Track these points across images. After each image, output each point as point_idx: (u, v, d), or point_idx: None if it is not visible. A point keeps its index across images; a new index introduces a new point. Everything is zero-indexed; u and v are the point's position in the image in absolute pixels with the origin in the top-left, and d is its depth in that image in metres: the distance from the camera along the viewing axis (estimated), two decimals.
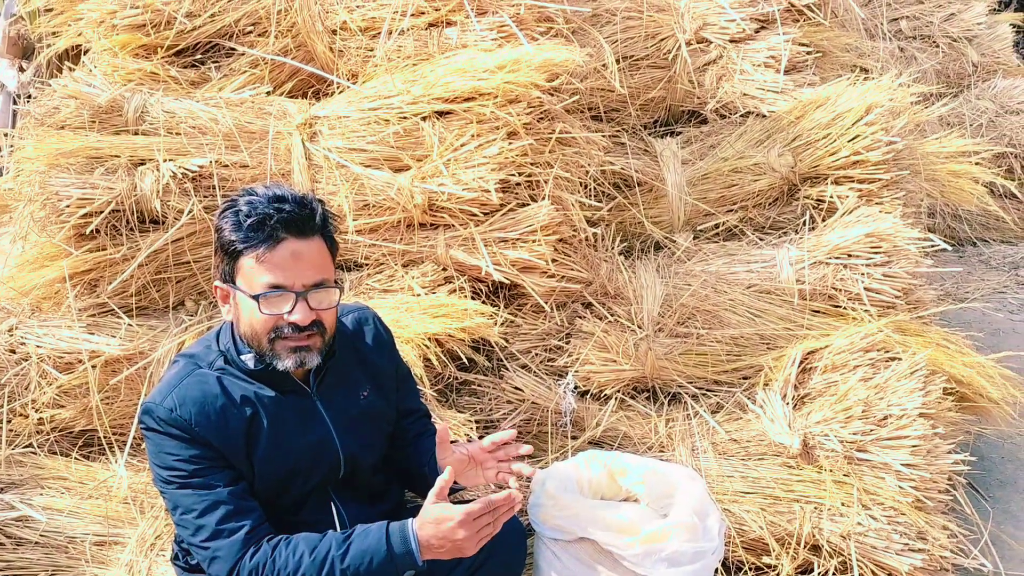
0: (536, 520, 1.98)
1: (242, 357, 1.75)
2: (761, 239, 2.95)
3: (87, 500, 2.38)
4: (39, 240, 2.56)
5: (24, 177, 2.56)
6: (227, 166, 2.56)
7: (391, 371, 1.97)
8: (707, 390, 2.73)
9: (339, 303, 1.77)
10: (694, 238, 3.00)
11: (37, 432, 2.51)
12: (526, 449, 1.82)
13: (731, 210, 3.02)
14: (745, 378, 2.73)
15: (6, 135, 3.40)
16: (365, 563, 1.62)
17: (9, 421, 2.49)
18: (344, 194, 2.51)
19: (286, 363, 1.70)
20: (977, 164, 3.50)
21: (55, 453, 2.53)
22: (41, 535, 2.28)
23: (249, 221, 1.65)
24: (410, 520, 1.66)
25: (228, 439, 1.71)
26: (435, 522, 1.62)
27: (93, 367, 2.45)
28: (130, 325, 2.53)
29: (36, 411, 2.49)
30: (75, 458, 2.52)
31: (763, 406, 2.55)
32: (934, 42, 5.17)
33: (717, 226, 3.02)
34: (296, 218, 1.67)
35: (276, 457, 1.75)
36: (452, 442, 1.86)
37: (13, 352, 2.52)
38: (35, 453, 2.50)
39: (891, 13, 5.12)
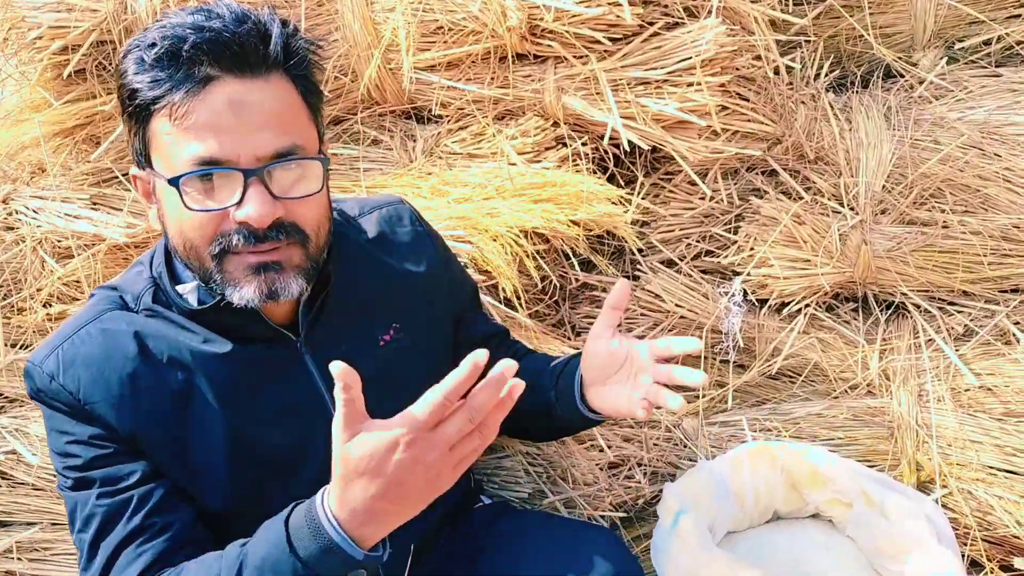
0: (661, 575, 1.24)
1: (177, 288, 1.08)
2: None
3: None
4: (17, 86, 1.92)
5: None
6: None
7: (441, 291, 1.27)
8: (950, 304, 1.84)
9: (327, 187, 1.05)
10: (948, 63, 1.96)
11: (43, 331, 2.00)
12: (699, 378, 1.06)
13: (1013, 17, 1.93)
14: (1015, 290, 1.80)
15: None
16: None
17: (8, 319, 1.98)
18: (401, 11, 1.67)
19: (245, 293, 1.01)
20: None
21: None
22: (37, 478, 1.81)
23: (156, 52, 0.96)
24: (320, 493, 0.93)
25: (143, 421, 1.05)
26: (357, 471, 0.87)
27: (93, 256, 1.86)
28: (136, 200, 1.90)
29: (44, 306, 1.96)
30: None
31: None
32: None
33: (987, 43, 1.95)
34: (231, 41, 0.96)
35: (235, 449, 1.09)
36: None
37: (11, 229, 1.98)
38: None
39: None
